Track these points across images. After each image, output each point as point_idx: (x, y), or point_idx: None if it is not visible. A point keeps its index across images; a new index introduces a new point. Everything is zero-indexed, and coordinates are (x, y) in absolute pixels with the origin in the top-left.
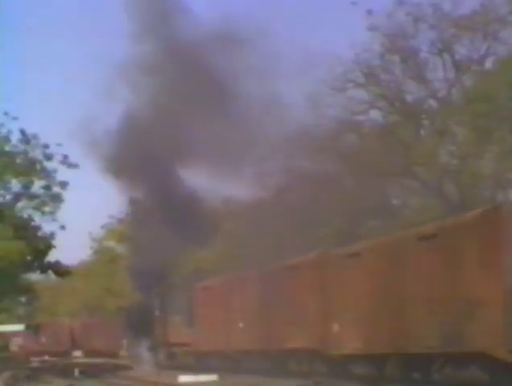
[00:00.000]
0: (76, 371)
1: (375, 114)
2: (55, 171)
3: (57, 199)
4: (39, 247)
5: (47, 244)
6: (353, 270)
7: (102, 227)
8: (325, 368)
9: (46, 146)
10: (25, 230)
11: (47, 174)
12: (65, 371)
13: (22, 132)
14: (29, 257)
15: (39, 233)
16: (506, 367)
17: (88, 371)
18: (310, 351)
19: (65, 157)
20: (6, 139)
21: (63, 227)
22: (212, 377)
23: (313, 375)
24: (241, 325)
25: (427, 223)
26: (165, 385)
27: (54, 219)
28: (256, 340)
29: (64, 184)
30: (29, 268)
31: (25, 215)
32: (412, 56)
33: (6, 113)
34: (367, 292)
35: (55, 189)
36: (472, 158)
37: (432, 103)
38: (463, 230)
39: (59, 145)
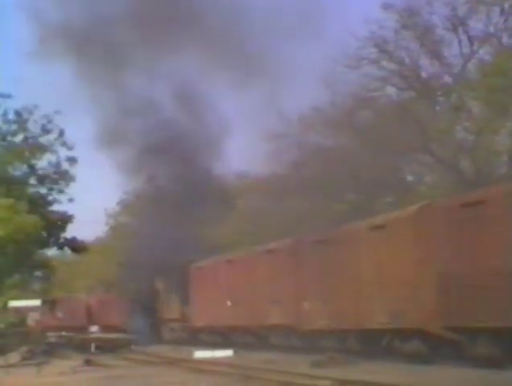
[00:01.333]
0: (93, 347)
1: (390, 91)
2: (52, 147)
3: (66, 176)
4: (55, 222)
5: (64, 220)
6: (320, 255)
7: (118, 203)
8: (299, 342)
9: (48, 120)
10: (40, 206)
11: (46, 148)
12: (82, 347)
13: (17, 113)
14: (45, 233)
15: (55, 208)
16: (440, 341)
17: (104, 346)
18: (286, 326)
19: (61, 132)
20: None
21: (71, 200)
22: (228, 353)
23: (327, 350)
24: (228, 303)
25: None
26: (181, 361)
27: (62, 192)
28: (242, 317)
29: (72, 160)
30: (45, 244)
31: (39, 191)
32: (427, 32)
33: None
34: (331, 275)
35: (64, 165)
36: (488, 133)
37: (447, 79)
38: (403, 223)
39: (57, 112)
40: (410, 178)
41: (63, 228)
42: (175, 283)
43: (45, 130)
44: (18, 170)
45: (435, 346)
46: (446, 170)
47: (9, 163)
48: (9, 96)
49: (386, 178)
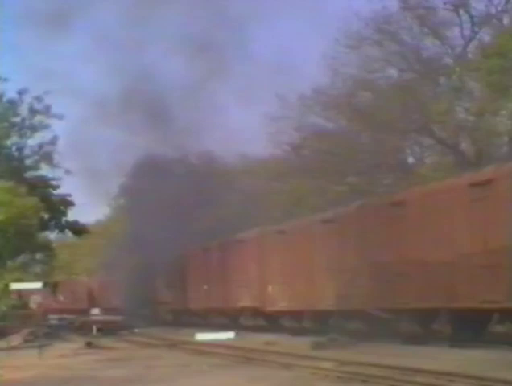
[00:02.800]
0: (94, 329)
1: (391, 72)
2: (41, 125)
3: (51, 155)
4: (56, 205)
5: (65, 204)
6: (281, 245)
7: (119, 186)
8: (264, 322)
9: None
10: (41, 188)
11: (35, 129)
12: (83, 329)
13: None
14: (46, 216)
15: (57, 192)
16: (378, 320)
17: (105, 329)
18: (253, 308)
19: (47, 107)
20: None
21: (68, 172)
22: (229, 335)
23: (328, 332)
24: (205, 287)
25: (442, 179)
26: (183, 343)
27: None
28: (216, 300)
29: (53, 140)
30: (47, 226)
31: (38, 173)
32: (428, 13)
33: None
34: (290, 262)
35: (48, 147)
36: (489, 114)
37: (448, 60)
38: (347, 218)
39: (46, 92)
40: (410, 159)
41: (64, 212)
42: (164, 268)
43: (33, 111)
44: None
45: (375, 325)
46: (446, 151)
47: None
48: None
49: (386, 159)
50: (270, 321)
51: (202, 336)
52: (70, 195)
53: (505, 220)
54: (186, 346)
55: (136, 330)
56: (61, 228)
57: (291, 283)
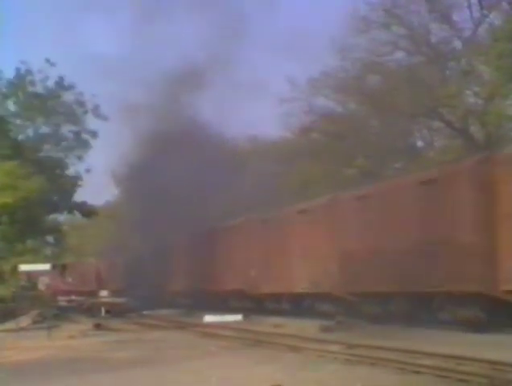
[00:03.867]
0: (103, 311)
1: (399, 55)
2: (84, 117)
3: (85, 145)
4: (65, 186)
5: (73, 184)
6: (264, 233)
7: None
8: (250, 304)
9: (80, 94)
10: (51, 169)
11: (76, 118)
12: (92, 311)
13: (60, 78)
14: (55, 197)
15: (66, 173)
16: (345, 302)
17: (114, 310)
18: (239, 291)
19: (96, 107)
20: (41, 82)
21: (88, 171)
22: (237, 317)
23: (336, 315)
24: (197, 271)
25: (451, 163)
26: (191, 325)
27: (80, 160)
28: (207, 282)
29: (94, 134)
30: (56, 208)
31: (52, 156)
32: None
33: (47, 60)
34: (271, 249)
35: (84, 136)
36: (498, 98)
37: (457, 44)
38: (319, 209)
39: (94, 96)
40: (419, 142)
41: (72, 192)
42: (160, 252)
43: (79, 103)
44: (41, 134)
45: (342, 307)
46: (455, 135)
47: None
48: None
49: (395, 143)
50: (256, 303)
51: (210, 318)
52: (79, 178)
53: (446, 214)
54: (194, 329)
55: (144, 312)
56: (70, 209)
57: (272, 268)
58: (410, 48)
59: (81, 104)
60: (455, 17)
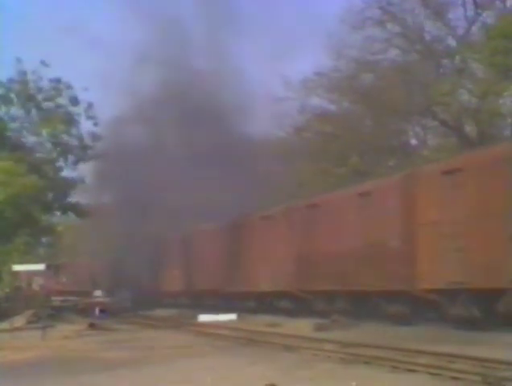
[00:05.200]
0: (97, 311)
1: (393, 54)
2: (79, 117)
3: (88, 149)
4: (60, 187)
5: (68, 185)
6: (232, 237)
7: None
8: (220, 302)
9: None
10: (48, 170)
11: (73, 120)
12: (86, 311)
13: (57, 79)
14: (50, 197)
15: (61, 174)
16: (301, 300)
17: (108, 310)
18: (213, 290)
19: (90, 105)
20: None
21: (83, 180)
22: (231, 316)
23: (331, 313)
24: (176, 272)
25: (445, 161)
26: (186, 324)
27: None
28: (185, 283)
29: (96, 137)
30: (50, 208)
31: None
32: None
33: (42, 62)
34: (240, 251)
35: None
36: (491, 96)
37: (451, 41)
38: (278, 215)
39: (85, 90)
40: (413, 141)
41: (67, 193)
42: (146, 253)
43: (73, 102)
44: (39, 139)
45: (299, 304)
46: (449, 133)
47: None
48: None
49: (389, 141)
50: (227, 300)
51: (204, 318)
52: (83, 180)
53: (378, 222)
54: (189, 328)
55: (139, 312)
56: (64, 210)
57: (240, 269)
58: (404, 46)
59: (75, 102)
60: (449, 15)
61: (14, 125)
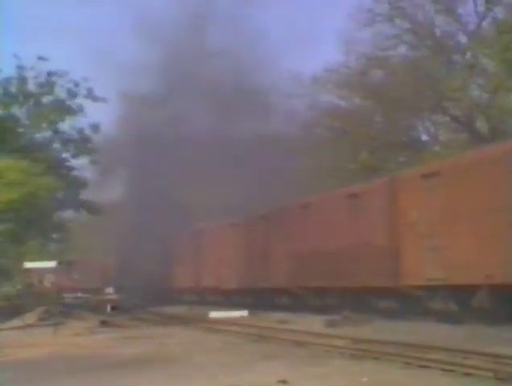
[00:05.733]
0: (109, 307)
1: (403, 49)
2: (81, 108)
3: (88, 142)
4: (72, 185)
5: (80, 183)
6: (232, 235)
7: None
8: (222, 298)
9: (75, 84)
10: (58, 167)
11: (73, 112)
12: (97, 308)
13: (50, 73)
14: (61, 194)
15: (74, 172)
16: (298, 296)
17: (119, 307)
18: (213, 287)
19: (89, 90)
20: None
21: (94, 162)
22: (243, 313)
23: (341, 310)
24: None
25: (456, 156)
26: (196, 321)
27: (86, 156)
28: (187, 280)
29: (95, 128)
30: (62, 205)
31: (58, 154)
32: None
33: (40, 57)
34: (237, 250)
35: (87, 132)
36: (503, 91)
37: (462, 37)
38: (274, 215)
39: (85, 80)
40: (424, 136)
41: (79, 191)
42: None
43: (72, 94)
44: (42, 133)
45: (297, 300)
46: (460, 129)
47: (34, 127)
48: (45, 59)
49: (399, 137)
50: (226, 297)
51: (215, 314)
52: (85, 180)
53: (366, 222)
54: (199, 324)
55: (150, 309)
56: (76, 207)
57: (237, 267)
58: (414, 42)
59: (73, 94)
60: (459, 10)
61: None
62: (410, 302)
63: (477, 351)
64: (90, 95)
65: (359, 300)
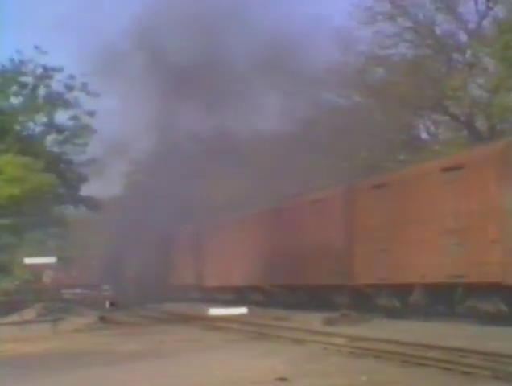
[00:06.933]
0: (107, 303)
1: (404, 48)
2: (77, 101)
3: (87, 129)
4: (72, 180)
5: (79, 178)
6: (214, 235)
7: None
8: (203, 295)
9: (71, 77)
10: (57, 163)
11: (69, 104)
12: (96, 304)
13: (45, 67)
14: (62, 190)
15: (72, 167)
16: (271, 293)
17: (118, 304)
18: (194, 285)
19: (84, 85)
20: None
21: (94, 161)
22: (242, 310)
23: (338, 307)
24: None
25: (454, 155)
26: (195, 318)
27: (84, 151)
28: (172, 277)
29: (91, 113)
30: (61, 201)
31: (56, 149)
32: None
33: (36, 47)
34: (217, 250)
35: (84, 119)
36: (503, 90)
37: (462, 36)
38: (249, 218)
39: (83, 75)
40: (424, 135)
41: (79, 186)
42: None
43: (68, 87)
44: (38, 125)
45: (271, 297)
46: (460, 127)
47: (30, 118)
48: (45, 53)
49: (399, 135)
50: (208, 294)
51: (214, 311)
52: (85, 175)
53: (327, 226)
54: (198, 322)
55: (148, 306)
56: (75, 203)
57: (217, 266)
58: (415, 40)
59: (70, 87)
60: (460, 9)
61: (17, 113)
62: (362, 299)
63: (474, 349)
64: (85, 89)
65: (320, 297)
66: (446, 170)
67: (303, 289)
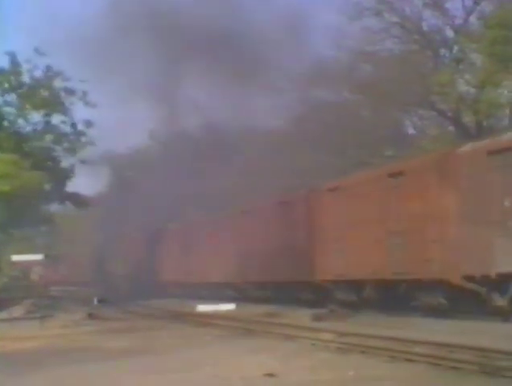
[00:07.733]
0: (95, 300)
1: (391, 44)
2: (72, 105)
3: (82, 136)
4: (58, 177)
5: (66, 175)
6: (199, 234)
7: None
8: (190, 290)
9: (67, 80)
10: (45, 160)
11: (65, 109)
12: (84, 300)
13: (48, 67)
14: (48, 187)
15: (60, 165)
16: (244, 290)
17: (106, 300)
18: (178, 281)
19: (84, 93)
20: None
21: (83, 162)
22: (230, 306)
23: (329, 304)
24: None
25: (442, 151)
26: (184, 314)
27: (76, 152)
28: (157, 273)
29: (89, 123)
30: (48, 198)
31: (46, 146)
32: None
33: (36, 49)
34: (198, 247)
35: (80, 127)
36: (490, 86)
37: (449, 32)
38: (223, 219)
39: (82, 81)
40: (411, 131)
41: (65, 183)
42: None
43: (68, 91)
44: (33, 124)
45: (241, 293)
46: (447, 123)
47: (24, 115)
48: (44, 54)
49: (387, 131)
50: (191, 289)
51: (203, 308)
52: (72, 171)
53: (292, 227)
54: (187, 318)
55: (138, 302)
56: (62, 200)
57: (197, 263)
58: (402, 36)
59: (70, 92)
60: (446, 4)
61: (8, 111)
62: (323, 294)
63: (462, 344)
64: (83, 98)
65: (286, 293)
66: (392, 175)
67: (272, 285)
